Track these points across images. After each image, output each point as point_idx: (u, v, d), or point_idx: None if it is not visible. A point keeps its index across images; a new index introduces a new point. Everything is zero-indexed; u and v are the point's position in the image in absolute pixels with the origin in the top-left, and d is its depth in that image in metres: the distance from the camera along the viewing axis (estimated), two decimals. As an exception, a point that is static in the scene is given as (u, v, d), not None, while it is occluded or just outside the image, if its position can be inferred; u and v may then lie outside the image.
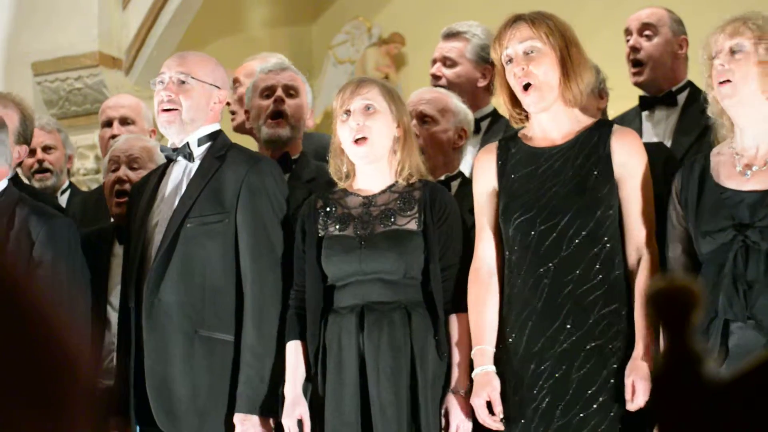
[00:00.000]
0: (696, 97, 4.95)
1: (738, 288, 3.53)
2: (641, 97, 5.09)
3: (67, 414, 1.11)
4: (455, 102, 4.47)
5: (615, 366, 3.70)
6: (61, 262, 4.13)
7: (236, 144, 4.30)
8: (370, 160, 4.00)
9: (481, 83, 4.98)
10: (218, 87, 4.20)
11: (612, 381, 3.69)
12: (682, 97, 4.99)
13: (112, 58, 7.47)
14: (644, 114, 5.04)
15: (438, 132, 4.37)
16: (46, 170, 5.49)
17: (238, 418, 3.97)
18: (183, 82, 4.13)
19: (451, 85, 4.83)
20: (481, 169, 3.98)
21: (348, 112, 3.98)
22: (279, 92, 4.59)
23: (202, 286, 4.04)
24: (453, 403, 3.84)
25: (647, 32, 5.03)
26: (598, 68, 4.52)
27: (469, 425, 3.83)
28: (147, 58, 7.50)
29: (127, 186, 4.60)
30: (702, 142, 4.72)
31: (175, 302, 4.02)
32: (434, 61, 5.09)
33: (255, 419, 3.97)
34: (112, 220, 4.72)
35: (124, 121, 5.38)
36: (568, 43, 3.84)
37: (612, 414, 3.67)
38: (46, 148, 5.50)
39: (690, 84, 5.02)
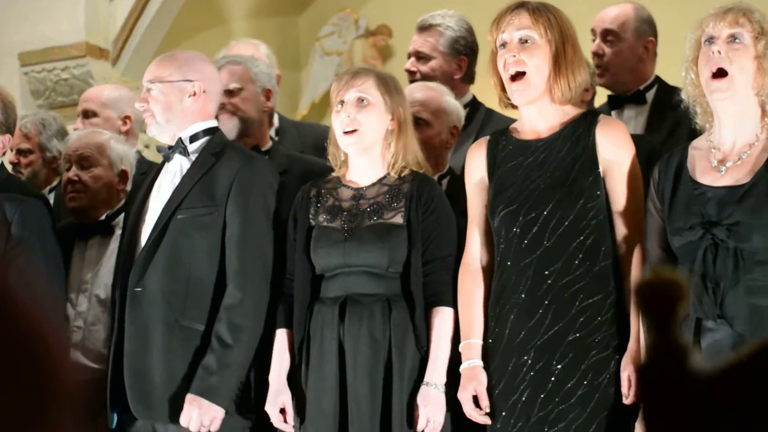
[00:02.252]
0: (665, 94, 4.92)
1: (707, 286, 3.51)
2: (610, 96, 5.04)
3: (46, 399, 1.11)
4: (448, 100, 4.43)
5: (595, 359, 3.69)
6: (36, 242, 4.13)
7: (234, 143, 4.34)
8: (358, 150, 4.00)
9: (458, 75, 4.94)
10: (189, 80, 4.22)
11: (592, 374, 3.68)
12: (650, 95, 4.94)
13: (99, 48, 7.45)
14: (613, 113, 5.00)
15: (432, 136, 4.34)
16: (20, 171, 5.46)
17: (187, 398, 3.97)
18: (149, 90, 4.21)
19: (426, 80, 4.78)
20: (472, 163, 3.98)
21: (342, 102, 3.98)
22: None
23: (186, 276, 4.06)
24: (424, 396, 3.83)
25: (609, 38, 4.94)
26: (588, 61, 4.51)
27: (441, 418, 3.82)
28: (134, 48, 7.49)
29: (79, 186, 4.66)
30: (674, 137, 4.70)
31: (158, 291, 4.05)
32: (409, 56, 5.06)
33: (203, 402, 3.96)
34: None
35: (86, 114, 5.35)
36: (565, 39, 3.82)
37: (591, 407, 3.67)
38: (20, 152, 5.46)
39: (658, 80, 4.99)
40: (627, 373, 3.66)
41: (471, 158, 4.00)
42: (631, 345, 3.68)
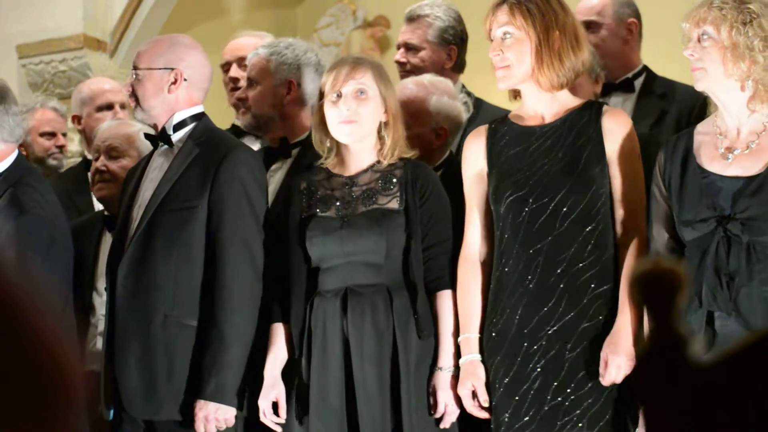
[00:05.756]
0: (652, 82, 4.92)
1: (721, 280, 3.51)
2: None
3: (51, 413, 1.11)
4: (435, 101, 4.35)
5: None
6: (28, 257, 4.06)
7: (217, 129, 4.30)
8: (354, 139, 3.98)
9: (448, 65, 4.93)
10: (171, 68, 4.20)
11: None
12: (638, 83, 4.94)
13: (96, 40, 7.45)
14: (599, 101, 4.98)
15: (411, 137, 4.19)
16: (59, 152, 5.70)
17: (198, 405, 3.95)
18: (135, 76, 4.20)
19: (416, 71, 4.77)
20: (471, 152, 3.97)
21: (339, 94, 3.96)
22: (242, 84, 4.66)
23: (173, 271, 4.03)
24: (440, 381, 3.84)
25: (591, 28, 4.91)
26: (595, 53, 4.52)
27: (456, 407, 3.83)
28: (132, 40, 7.48)
29: (107, 176, 4.66)
30: (661, 126, 4.70)
31: (146, 287, 4.02)
32: (398, 47, 5.04)
33: (212, 406, 3.94)
34: (101, 207, 4.80)
35: (110, 106, 5.39)
36: (549, 28, 3.82)
37: (605, 395, 3.67)
38: (65, 135, 5.69)
39: (646, 69, 4.97)
40: (606, 352, 3.65)
41: (468, 148, 3.99)
42: (615, 327, 3.67)
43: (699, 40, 3.61)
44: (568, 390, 3.68)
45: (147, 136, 4.31)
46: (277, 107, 4.53)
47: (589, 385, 3.68)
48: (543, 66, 3.82)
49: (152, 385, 4.00)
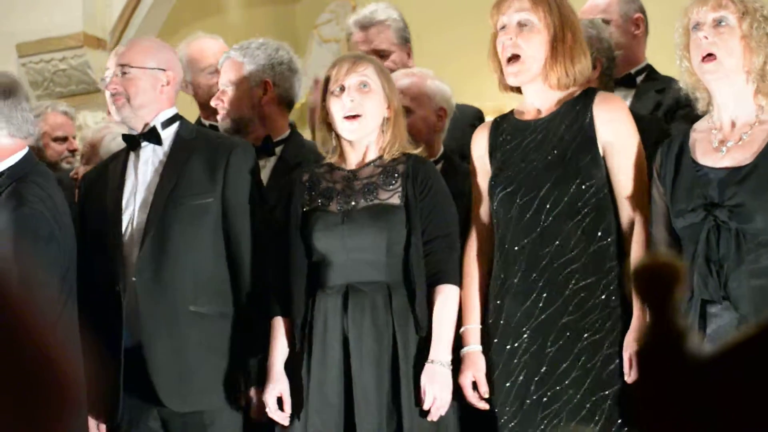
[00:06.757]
0: (653, 80, 4.89)
1: (711, 268, 3.51)
2: None
3: (45, 411, 1.11)
4: (430, 84, 4.41)
5: (589, 341, 3.69)
6: (22, 249, 4.05)
7: (204, 128, 4.33)
8: (359, 136, 3.98)
9: (410, 63, 4.95)
10: (163, 69, 4.25)
11: (585, 356, 3.68)
12: (640, 79, 4.93)
13: (96, 38, 7.45)
14: None
15: (416, 121, 4.28)
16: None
17: (254, 391, 4.02)
18: (124, 74, 4.23)
19: None
20: (475, 147, 3.99)
21: (342, 87, 3.97)
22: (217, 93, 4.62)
23: (191, 264, 4.08)
24: (430, 374, 3.79)
25: None
26: (601, 37, 4.51)
27: (447, 395, 3.80)
28: (131, 38, 7.47)
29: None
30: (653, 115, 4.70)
31: (165, 281, 4.05)
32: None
33: (261, 391, 4.01)
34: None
35: None
36: (564, 25, 3.82)
37: (583, 390, 3.67)
38: (75, 137, 5.72)
39: (649, 67, 4.97)
40: (629, 352, 3.65)
41: (474, 142, 4.01)
42: (634, 323, 3.67)
43: (715, 25, 3.61)
44: (549, 384, 3.69)
45: (126, 136, 4.30)
46: (255, 108, 4.54)
47: (568, 379, 3.68)
48: (556, 62, 3.81)
49: (186, 377, 4.04)
